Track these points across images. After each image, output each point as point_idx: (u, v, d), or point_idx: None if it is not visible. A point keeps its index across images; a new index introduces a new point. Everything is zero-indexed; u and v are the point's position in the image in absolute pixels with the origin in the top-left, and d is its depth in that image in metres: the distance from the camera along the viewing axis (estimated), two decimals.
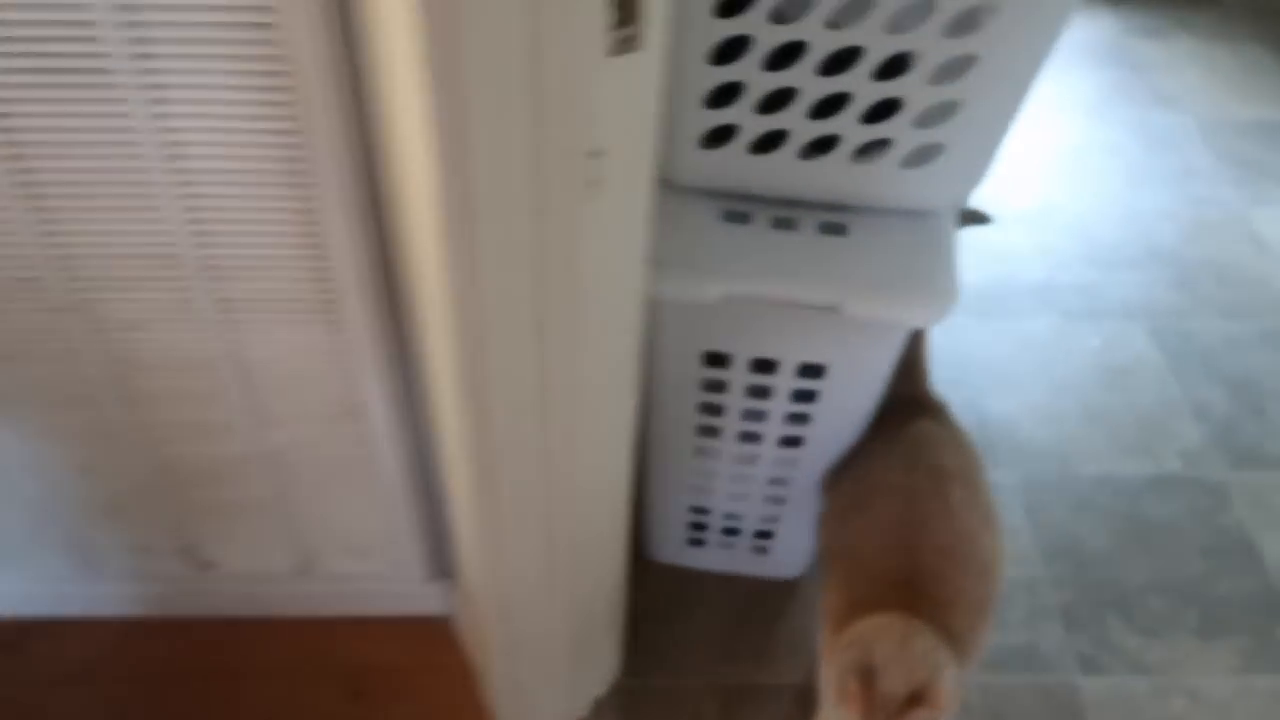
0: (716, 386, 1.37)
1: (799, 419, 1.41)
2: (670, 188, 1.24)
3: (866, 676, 1.13)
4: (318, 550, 1.52)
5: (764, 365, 1.32)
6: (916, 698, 1.10)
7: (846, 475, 1.47)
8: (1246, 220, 2.61)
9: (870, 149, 1.13)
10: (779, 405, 1.38)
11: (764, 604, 1.76)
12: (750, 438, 1.46)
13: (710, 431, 1.46)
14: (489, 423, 0.97)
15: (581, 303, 0.88)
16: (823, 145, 1.13)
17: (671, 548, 1.78)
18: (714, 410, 1.42)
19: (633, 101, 0.77)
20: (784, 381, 1.34)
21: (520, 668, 1.45)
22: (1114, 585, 1.83)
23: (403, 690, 1.63)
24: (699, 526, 1.70)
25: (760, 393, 1.37)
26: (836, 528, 1.42)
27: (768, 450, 1.48)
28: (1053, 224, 2.59)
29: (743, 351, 1.30)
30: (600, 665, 1.57)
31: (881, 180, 1.17)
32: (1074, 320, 2.32)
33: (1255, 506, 1.97)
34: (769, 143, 1.14)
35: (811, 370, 1.32)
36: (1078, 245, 2.52)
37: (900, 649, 1.15)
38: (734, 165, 1.17)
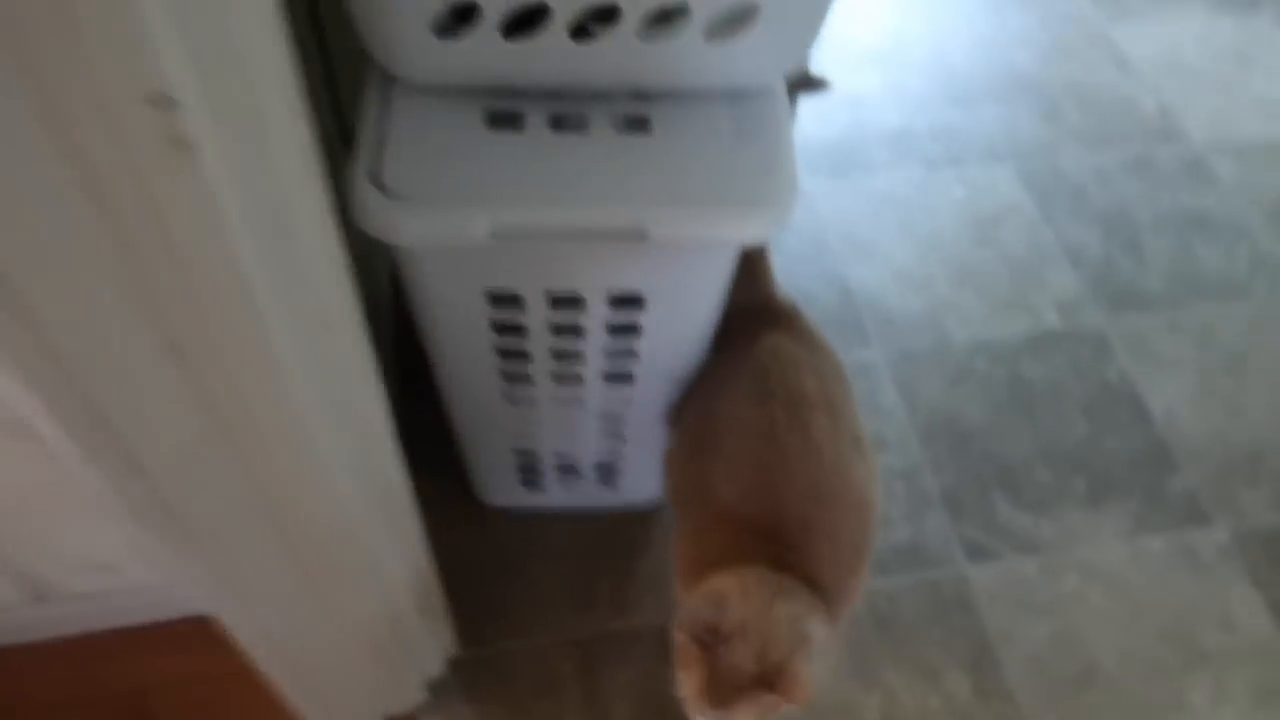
0: (513, 330, 1.09)
1: (622, 355, 1.16)
2: (409, 88, 0.92)
3: (712, 642, 0.94)
4: (44, 576, 1.22)
5: (568, 300, 1.05)
6: (767, 678, 0.92)
7: (692, 408, 1.23)
8: (1109, 40, 2.40)
9: (665, 19, 0.84)
10: (594, 343, 1.12)
11: (617, 541, 1.56)
12: (568, 379, 1.20)
13: (518, 378, 1.19)
14: (148, 452, 0.68)
15: (221, 296, 0.59)
16: (602, 18, 0.83)
17: (504, 491, 1.53)
18: (516, 355, 1.14)
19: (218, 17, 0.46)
20: (595, 317, 1.07)
21: (303, 683, 1.21)
22: (997, 460, 1.69)
23: (192, 707, 1.38)
24: (530, 469, 1.46)
25: (569, 331, 1.10)
26: (686, 467, 1.20)
27: (592, 391, 1.23)
28: (907, 60, 2.32)
29: (535, 288, 1.02)
30: (426, 648, 1.34)
31: (686, 56, 0.87)
32: (936, 169, 2.10)
33: (1137, 354, 1.84)
34: (525, 23, 0.82)
35: (627, 301, 1.06)
36: (935, 82, 2.28)
37: (760, 614, 0.96)
38: (487, 54, 0.85)
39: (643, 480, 1.51)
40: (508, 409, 1.27)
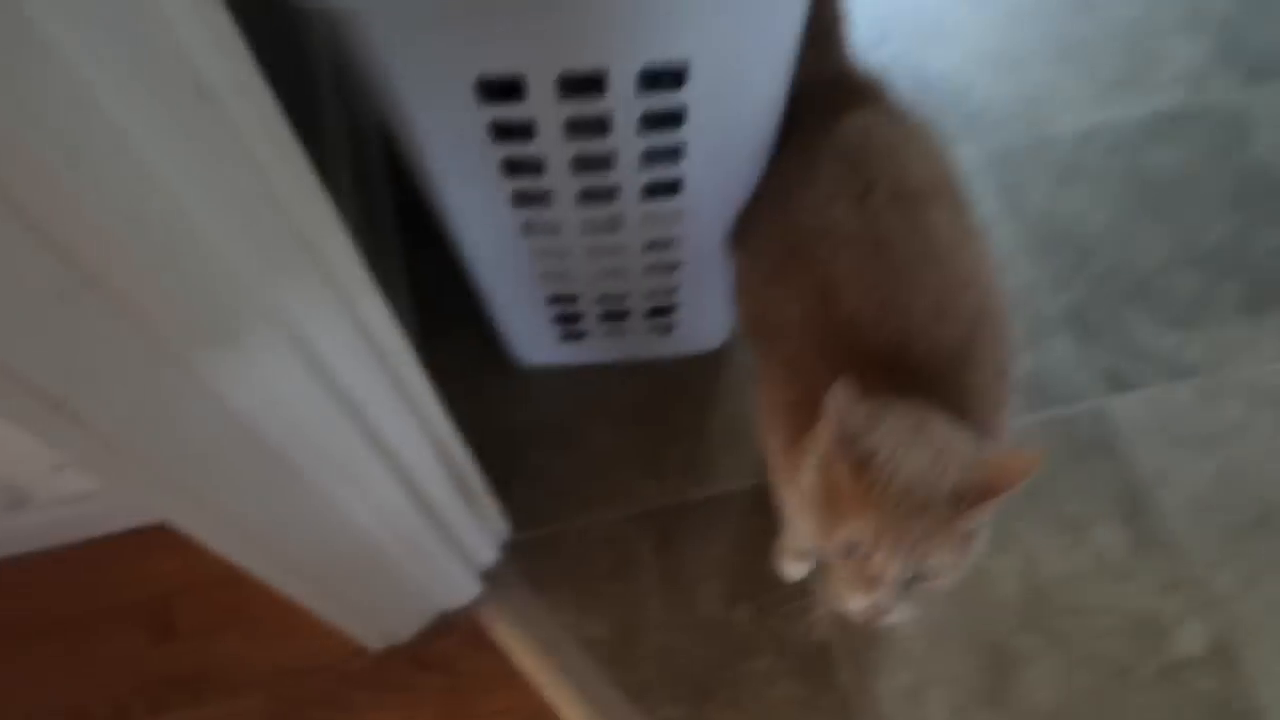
0: (519, 133, 0.84)
1: (665, 156, 0.90)
2: None
3: (868, 463, 0.70)
4: (17, 483, 1.05)
5: (583, 84, 0.78)
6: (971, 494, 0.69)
7: (763, 221, 0.98)
8: None
9: None
10: (625, 141, 0.86)
11: (681, 395, 1.33)
12: (597, 196, 0.95)
13: (532, 199, 0.94)
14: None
15: None
16: None
17: (541, 346, 1.31)
18: (525, 168, 0.89)
19: None
20: (623, 105, 0.81)
21: (328, 596, 1.03)
22: (1128, 270, 1.41)
23: (217, 613, 1.22)
24: (570, 318, 1.23)
25: (592, 128, 0.84)
26: (764, 295, 0.96)
27: (630, 208, 0.97)
28: None
29: (541, 68, 0.76)
30: (473, 535, 1.15)
31: None
32: None
33: None
34: None
35: (664, 78, 0.79)
36: None
37: (913, 434, 0.72)
38: None
39: (704, 319, 1.27)
40: (529, 243, 1.02)
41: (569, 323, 1.23)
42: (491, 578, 1.22)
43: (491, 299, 1.18)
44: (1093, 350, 1.34)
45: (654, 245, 1.06)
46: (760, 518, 1.20)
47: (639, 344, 1.31)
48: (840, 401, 0.69)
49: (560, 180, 0.91)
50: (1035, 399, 1.30)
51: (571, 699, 1.14)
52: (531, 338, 1.29)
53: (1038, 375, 1.32)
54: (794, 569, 1.17)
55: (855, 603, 0.74)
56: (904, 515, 0.68)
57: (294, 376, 0.69)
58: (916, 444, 0.70)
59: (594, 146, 0.86)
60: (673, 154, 0.89)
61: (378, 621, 1.16)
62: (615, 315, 1.22)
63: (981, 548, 0.74)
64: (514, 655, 1.18)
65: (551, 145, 0.85)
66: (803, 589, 1.18)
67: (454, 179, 0.91)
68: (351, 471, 0.84)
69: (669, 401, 1.33)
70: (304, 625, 1.11)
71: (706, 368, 1.35)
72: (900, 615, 0.74)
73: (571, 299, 1.17)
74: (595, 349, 1.31)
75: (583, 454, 1.30)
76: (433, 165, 0.88)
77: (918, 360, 0.80)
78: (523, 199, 0.94)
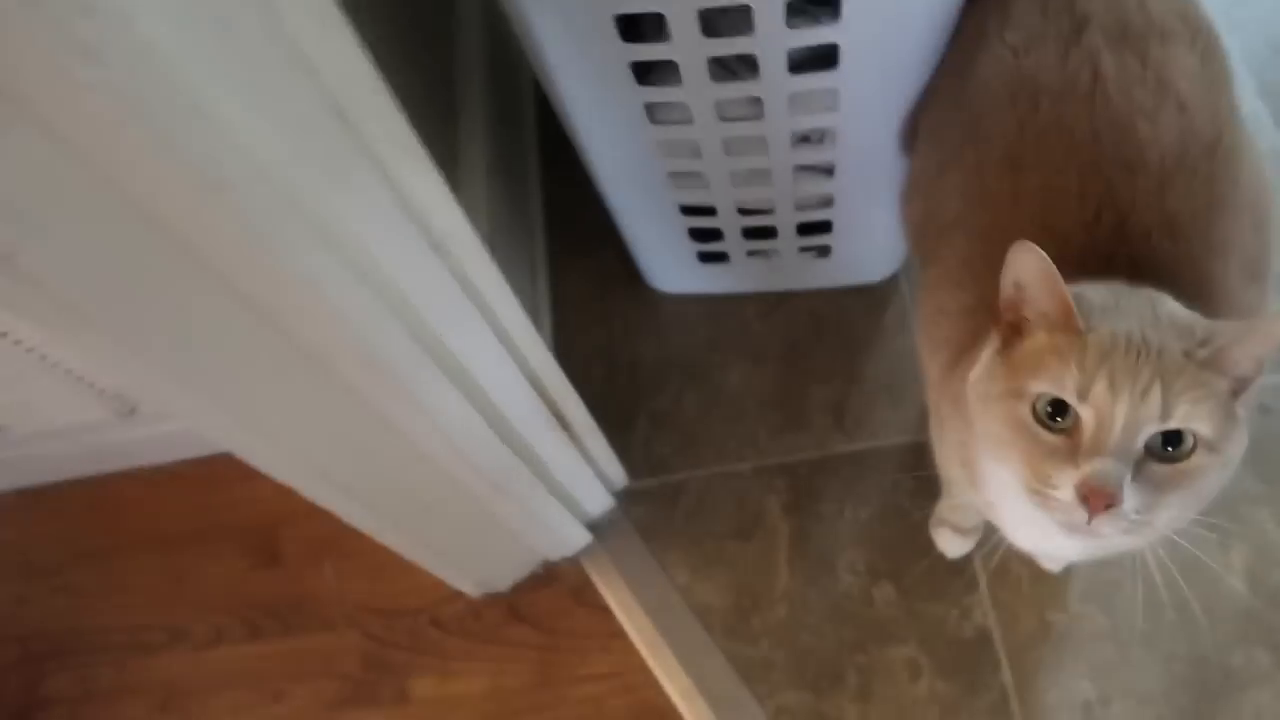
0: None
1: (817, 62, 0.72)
2: None
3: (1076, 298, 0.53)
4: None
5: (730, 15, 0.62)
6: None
7: (940, 96, 0.78)
8: None
9: None
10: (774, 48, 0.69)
11: (837, 332, 1.15)
12: (733, 70, 0.78)
13: (657, 72, 0.78)
14: None
15: None
16: None
17: (682, 272, 1.15)
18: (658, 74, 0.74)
19: None
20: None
21: (419, 542, 0.93)
22: None
23: (320, 548, 1.15)
24: (708, 234, 1.06)
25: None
26: (936, 189, 0.77)
27: (774, 86, 0.79)
28: None
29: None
30: (580, 481, 1.02)
31: None
32: None
33: None
34: None
35: None
36: None
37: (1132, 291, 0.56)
38: None
39: (866, 244, 1.08)
40: (658, 132, 0.87)
41: (707, 239, 1.06)
42: (602, 528, 1.09)
43: (620, 208, 1.03)
44: None
45: (805, 140, 0.88)
46: (915, 481, 1.01)
47: (789, 272, 1.13)
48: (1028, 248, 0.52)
49: (698, 93, 0.75)
50: None
51: (675, 671, 1.00)
52: (668, 259, 1.13)
53: None
54: (952, 544, 0.98)
55: (1064, 482, 0.51)
56: (1129, 353, 0.50)
57: (344, 281, 0.56)
58: (1138, 295, 0.55)
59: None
60: (825, 60, 0.72)
61: (473, 568, 1.06)
62: (761, 232, 1.04)
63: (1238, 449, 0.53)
64: (617, 616, 1.05)
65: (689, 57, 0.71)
66: (960, 570, 0.99)
67: (596, 128, 0.78)
68: (418, 397, 0.71)
69: (820, 340, 1.15)
70: (401, 563, 1.02)
71: (868, 303, 1.15)
72: (1133, 525, 0.50)
73: (709, 210, 1.00)
74: (739, 276, 1.14)
75: (716, 394, 1.14)
76: (573, 106, 0.76)
77: (1136, 239, 0.59)
78: (645, 70, 0.78)
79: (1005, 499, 0.60)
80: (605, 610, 1.06)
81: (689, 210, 1.00)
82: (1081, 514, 0.50)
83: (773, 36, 0.72)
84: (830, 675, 0.97)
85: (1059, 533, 0.54)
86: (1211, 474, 0.52)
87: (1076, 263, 0.58)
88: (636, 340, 1.18)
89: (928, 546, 1.00)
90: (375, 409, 0.70)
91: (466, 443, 0.79)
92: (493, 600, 1.09)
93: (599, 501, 1.07)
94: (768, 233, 1.03)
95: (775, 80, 0.77)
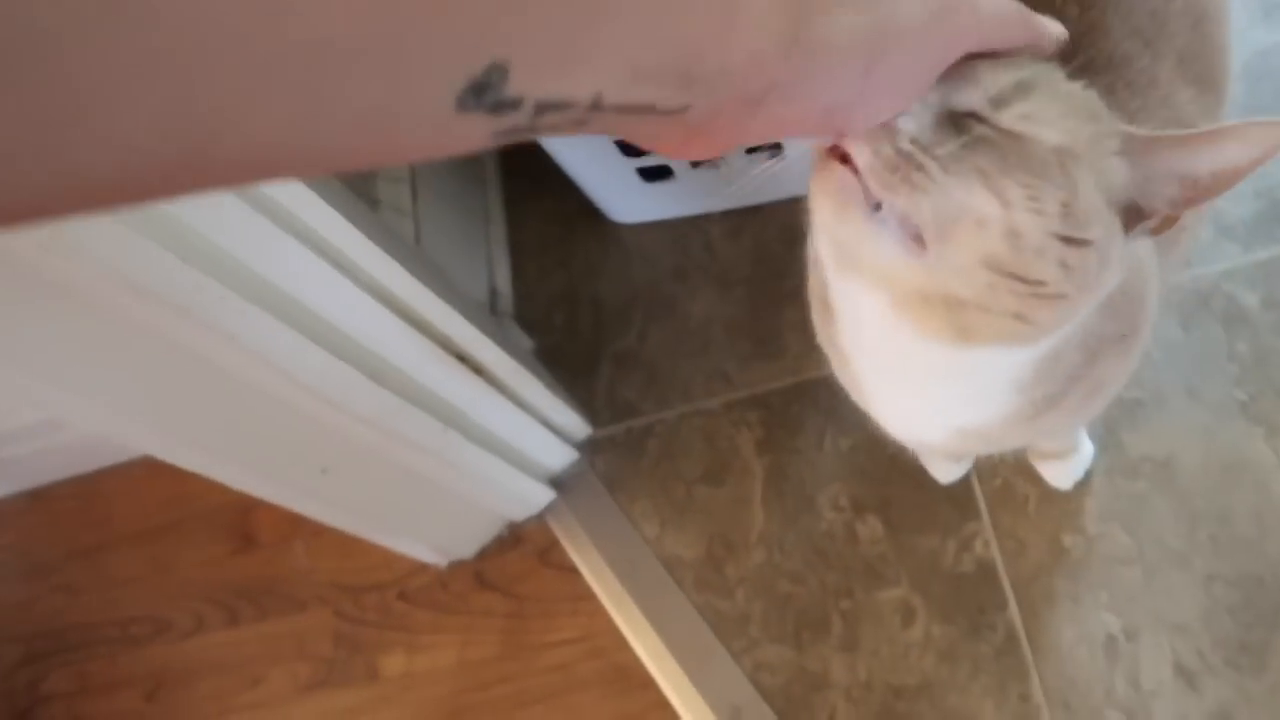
0: None
1: None
2: None
3: None
4: None
5: None
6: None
7: None
8: None
9: None
10: None
11: (803, 245, 1.02)
12: None
13: None
14: None
15: None
16: None
17: (632, 199, 1.04)
18: None
19: None
20: None
21: (372, 529, 0.86)
22: None
23: (290, 528, 1.10)
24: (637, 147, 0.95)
25: None
26: None
27: None
28: None
29: None
30: (536, 437, 0.94)
31: None
32: None
33: None
34: None
35: None
36: None
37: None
38: None
39: None
40: None
41: (642, 153, 0.96)
42: (566, 483, 1.00)
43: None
44: None
45: None
46: None
47: (744, 184, 1.00)
48: None
49: None
50: None
51: (645, 631, 0.90)
52: (612, 183, 1.03)
53: None
54: (942, 469, 0.85)
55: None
56: None
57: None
58: None
59: None
60: None
61: (430, 537, 0.98)
62: None
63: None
64: (585, 576, 0.96)
65: None
66: (955, 496, 0.85)
67: None
68: (248, 345, 0.63)
69: (793, 255, 1.02)
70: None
71: None
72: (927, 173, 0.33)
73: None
74: (693, 194, 1.03)
75: (682, 328, 1.03)
76: None
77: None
78: None
79: (846, 321, 0.46)
80: (572, 571, 0.97)
81: None
82: (854, 183, 0.34)
83: None
84: (813, 625, 0.86)
85: (853, 238, 0.36)
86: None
87: None
88: (598, 279, 1.08)
89: (919, 473, 0.86)
90: (211, 364, 0.63)
91: (345, 397, 0.72)
92: (459, 569, 1.01)
93: (558, 455, 0.98)
94: None
95: None
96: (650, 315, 1.04)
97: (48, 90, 0.16)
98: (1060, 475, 0.82)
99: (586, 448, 1.00)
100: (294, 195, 0.62)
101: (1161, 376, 0.83)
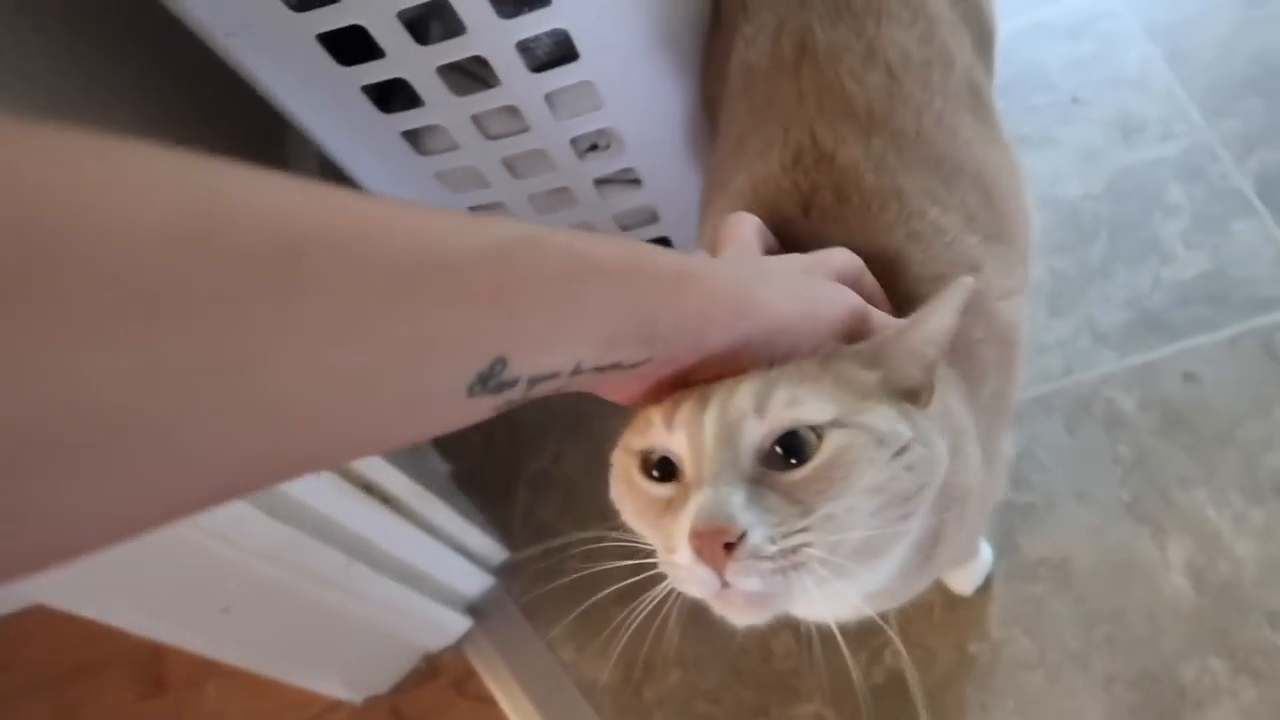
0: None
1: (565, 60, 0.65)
2: None
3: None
4: None
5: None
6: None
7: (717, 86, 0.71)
8: None
9: None
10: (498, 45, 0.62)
11: None
12: (502, 118, 0.72)
13: (429, 138, 0.72)
14: None
15: None
16: None
17: None
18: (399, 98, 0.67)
19: None
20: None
21: (285, 670, 0.85)
22: None
23: (203, 668, 1.07)
24: None
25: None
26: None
27: (537, 114, 0.72)
28: None
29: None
30: (450, 566, 0.93)
31: None
32: None
33: None
34: None
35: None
36: None
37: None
38: None
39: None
40: (457, 196, 0.80)
41: None
42: (483, 609, 0.99)
43: None
44: None
45: (593, 149, 0.80)
46: None
47: None
48: None
49: (408, 61, 0.68)
50: (1212, 309, 0.91)
51: None
52: None
53: (1216, 275, 0.92)
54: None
55: (679, 537, 0.37)
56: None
57: None
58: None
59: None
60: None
61: (346, 673, 0.96)
62: None
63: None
64: (502, 706, 0.94)
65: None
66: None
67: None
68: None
69: None
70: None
71: None
72: (786, 564, 0.35)
73: None
74: None
75: (597, 446, 1.03)
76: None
77: (842, 170, 0.52)
78: (387, 98, 0.72)
79: None
80: (489, 701, 0.95)
81: None
82: (709, 574, 0.36)
83: (490, 32, 0.65)
84: None
85: (725, 617, 0.40)
86: (863, 455, 0.37)
87: (771, 205, 0.51)
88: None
89: None
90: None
91: (240, 532, 0.71)
92: (375, 704, 0.99)
93: (474, 581, 0.98)
94: None
95: (519, 82, 0.70)
96: (567, 435, 1.05)
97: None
98: (962, 581, 0.84)
99: (504, 572, 1.00)
100: None
101: (1051, 480, 0.86)
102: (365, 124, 0.74)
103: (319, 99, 0.72)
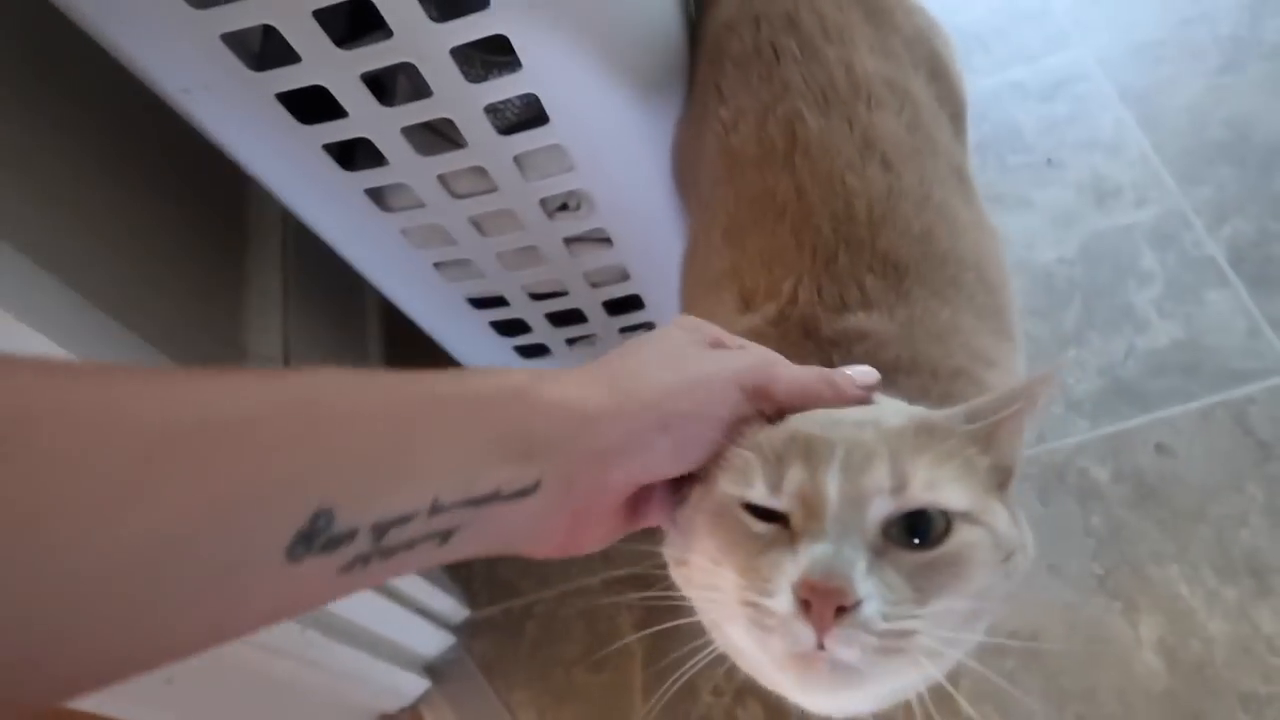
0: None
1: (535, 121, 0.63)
2: None
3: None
4: None
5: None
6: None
7: (692, 160, 0.70)
8: None
9: None
10: (464, 107, 0.60)
11: None
12: (470, 178, 0.70)
13: (393, 195, 0.70)
14: None
15: None
16: None
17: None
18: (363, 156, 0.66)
19: None
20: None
21: None
22: None
23: None
24: (515, 327, 0.96)
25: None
26: (691, 247, 0.69)
27: (506, 176, 0.71)
28: None
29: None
30: (410, 627, 0.90)
31: None
32: None
33: None
34: None
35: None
36: None
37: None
38: None
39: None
40: (424, 253, 0.78)
41: (516, 332, 0.96)
42: (441, 669, 0.96)
43: (414, 312, 0.94)
44: (1272, 303, 0.92)
45: (564, 208, 0.78)
46: None
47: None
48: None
49: (371, 121, 0.66)
50: (1184, 379, 0.90)
51: None
52: (490, 360, 1.03)
53: (1189, 345, 0.92)
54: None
55: (780, 582, 0.35)
56: (829, 430, 0.38)
57: None
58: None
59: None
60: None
61: None
62: (569, 318, 0.94)
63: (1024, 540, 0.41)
64: None
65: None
66: None
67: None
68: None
69: None
70: None
71: None
72: (885, 643, 0.34)
73: (500, 301, 0.90)
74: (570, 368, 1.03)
75: None
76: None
77: (859, 275, 0.52)
78: (350, 156, 0.70)
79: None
80: None
81: (480, 304, 0.90)
82: (807, 631, 0.34)
83: (457, 95, 0.64)
84: None
85: (794, 683, 0.37)
86: (983, 556, 0.37)
87: (807, 300, 0.52)
88: None
89: None
90: None
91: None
92: None
93: (432, 641, 0.95)
94: (577, 317, 0.93)
95: (487, 144, 0.68)
96: None
97: None
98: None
99: (464, 630, 0.97)
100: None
101: None
102: (327, 181, 0.72)
103: (279, 156, 0.69)
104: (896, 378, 0.49)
